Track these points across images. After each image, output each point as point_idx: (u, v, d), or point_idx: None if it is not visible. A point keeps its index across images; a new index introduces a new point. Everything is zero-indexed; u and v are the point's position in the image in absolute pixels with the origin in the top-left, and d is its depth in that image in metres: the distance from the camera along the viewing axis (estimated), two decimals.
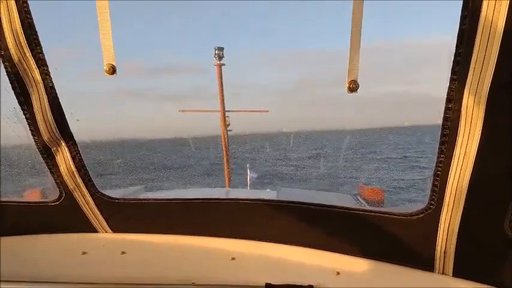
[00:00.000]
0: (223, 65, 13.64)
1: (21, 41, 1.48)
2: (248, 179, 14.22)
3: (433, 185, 1.44)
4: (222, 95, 14.20)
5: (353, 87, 1.35)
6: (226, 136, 14.79)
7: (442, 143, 1.33)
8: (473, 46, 1.14)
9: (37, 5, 1.48)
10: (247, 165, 15.19)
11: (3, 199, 2.11)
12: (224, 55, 13.51)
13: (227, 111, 14.71)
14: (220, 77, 13.78)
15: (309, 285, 1.85)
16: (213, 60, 13.60)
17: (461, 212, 1.43)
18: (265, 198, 1.97)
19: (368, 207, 1.84)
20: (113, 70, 1.52)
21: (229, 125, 14.83)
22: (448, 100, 1.26)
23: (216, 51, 13.42)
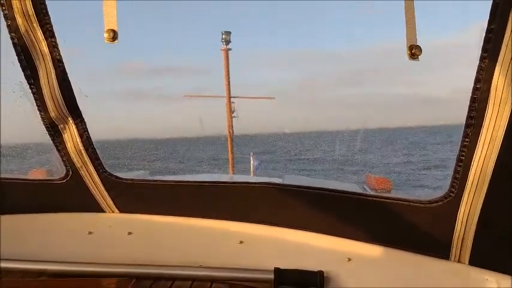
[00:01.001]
0: (230, 49, 13.52)
1: (29, 9, 1.41)
2: (251, 167, 14.19)
3: (455, 171, 1.37)
4: (228, 81, 14.13)
5: (415, 52, 1.25)
6: (231, 122, 14.77)
7: (467, 125, 1.26)
8: (507, 21, 1.06)
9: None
10: (251, 153, 15.13)
11: (8, 176, 2.07)
12: (231, 40, 13.37)
13: (232, 97, 14.66)
14: (227, 62, 13.68)
15: (319, 270, 1.81)
16: (220, 44, 13.47)
17: (482, 200, 1.37)
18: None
19: (384, 194, 1.78)
20: (114, 35, 1.39)
21: (234, 111, 14.80)
22: (477, 80, 1.18)
23: (223, 36, 13.28)
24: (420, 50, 1.26)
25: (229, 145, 15.06)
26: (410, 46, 1.26)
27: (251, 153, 15.05)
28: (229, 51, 13.48)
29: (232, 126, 14.87)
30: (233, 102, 14.74)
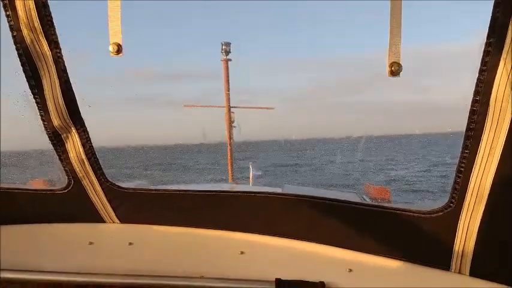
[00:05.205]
0: (230, 60, 13.65)
1: (35, 21, 1.43)
2: (250, 176, 14.16)
3: (455, 182, 1.39)
4: (228, 91, 14.22)
5: (395, 69, 1.26)
6: (230, 132, 14.83)
7: (467, 137, 1.28)
8: (505, 35, 1.08)
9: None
10: (250, 163, 15.13)
11: (9, 186, 2.08)
12: (231, 50, 13.51)
13: (232, 107, 14.75)
14: (227, 73, 13.78)
15: (320, 281, 1.81)
16: (220, 55, 13.60)
17: (482, 211, 1.38)
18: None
19: (385, 204, 1.79)
20: (118, 49, 1.42)
21: (233, 121, 14.88)
22: (476, 92, 1.20)
23: (223, 47, 13.43)
24: (400, 66, 1.26)
25: (228, 155, 15.10)
26: (391, 63, 1.26)
27: (250, 163, 15.04)
28: (229, 62, 13.63)
29: (232, 136, 14.93)
30: (233, 112, 14.82)
